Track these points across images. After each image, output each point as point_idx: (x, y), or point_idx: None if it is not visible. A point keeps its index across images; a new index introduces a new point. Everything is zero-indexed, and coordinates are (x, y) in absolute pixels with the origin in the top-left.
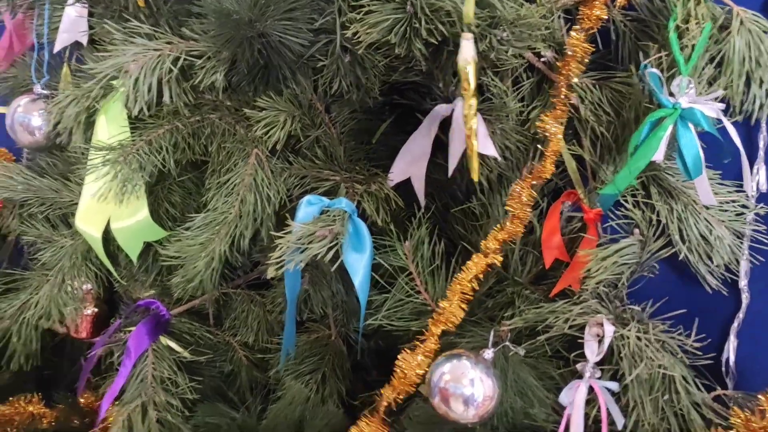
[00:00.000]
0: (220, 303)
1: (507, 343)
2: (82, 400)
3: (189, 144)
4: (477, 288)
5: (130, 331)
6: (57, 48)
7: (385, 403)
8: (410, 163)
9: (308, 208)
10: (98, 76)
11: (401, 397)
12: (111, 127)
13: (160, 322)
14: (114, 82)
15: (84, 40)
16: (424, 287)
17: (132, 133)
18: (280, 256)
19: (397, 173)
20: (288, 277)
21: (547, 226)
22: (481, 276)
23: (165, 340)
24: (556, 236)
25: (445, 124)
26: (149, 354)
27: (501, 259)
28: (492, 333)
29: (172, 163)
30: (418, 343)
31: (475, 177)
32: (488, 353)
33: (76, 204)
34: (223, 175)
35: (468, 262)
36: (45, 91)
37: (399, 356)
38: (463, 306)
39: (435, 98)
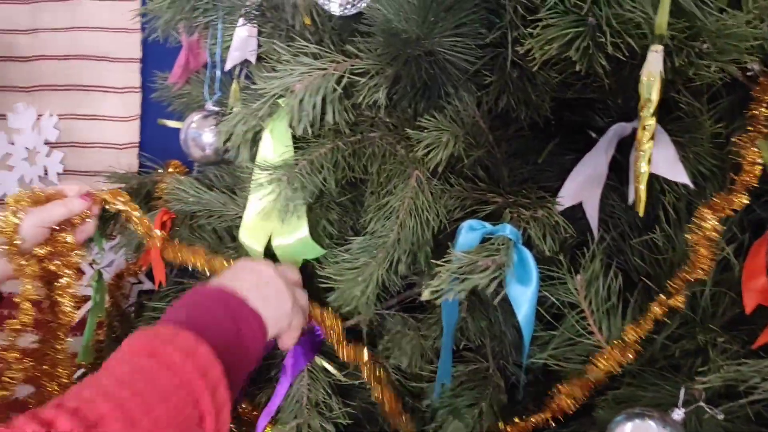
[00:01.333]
0: (374, 324)
1: (701, 403)
2: (239, 409)
3: (349, 164)
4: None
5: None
6: (228, 66)
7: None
8: (583, 187)
9: (470, 234)
10: (266, 95)
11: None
12: (276, 145)
13: (315, 341)
14: (280, 101)
15: (253, 58)
16: (598, 327)
17: (295, 152)
18: (438, 285)
19: (568, 197)
20: (445, 306)
21: (748, 266)
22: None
23: (320, 361)
24: (760, 278)
25: (623, 144)
26: (305, 375)
27: (683, 300)
28: (683, 390)
29: (333, 182)
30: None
31: (640, 211)
32: (678, 414)
33: (241, 217)
34: (382, 197)
35: (651, 304)
36: (216, 108)
37: (554, 387)
38: (638, 349)
39: (611, 116)
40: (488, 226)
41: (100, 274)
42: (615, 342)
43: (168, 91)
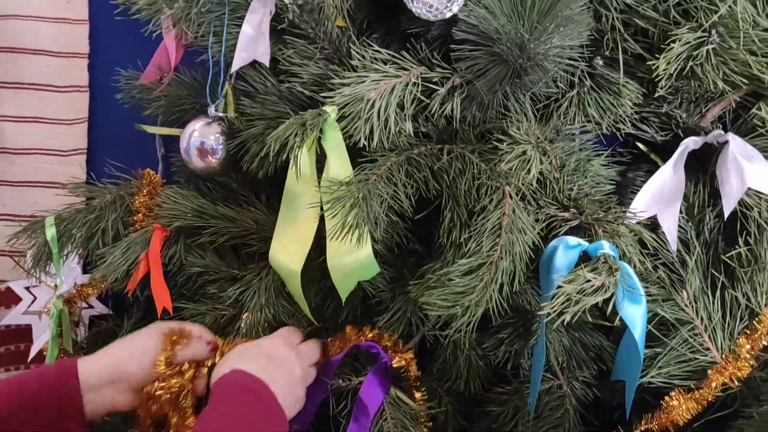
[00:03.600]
0: (426, 345)
1: None
2: None
3: (425, 178)
4: None
5: (350, 378)
6: (235, 67)
7: (641, 428)
8: (658, 203)
9: (568, 252)
10: (336, 103)
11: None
12: (333, 158)
13: (388, 371)
14: (327, 108)
15: (266, 60)
16: (713, 342)
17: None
18: (555, 307)
19: (642, 210)
20: (542, 329)
21: None
22: None
23: (396, 392)
24: None
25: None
26: (385, 407)
27: None
28: None
29: (405, 199)
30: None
31: None
32: None
33: (252, 234)
34: (474, 215)
35: (759, 318)
36: (220, 114)
37: (670, 394)
38: (752, 362)
39: (666, 129)
40: (584, 242)
41: (61, 302)
42: (728, 356)
43: (135, 92)
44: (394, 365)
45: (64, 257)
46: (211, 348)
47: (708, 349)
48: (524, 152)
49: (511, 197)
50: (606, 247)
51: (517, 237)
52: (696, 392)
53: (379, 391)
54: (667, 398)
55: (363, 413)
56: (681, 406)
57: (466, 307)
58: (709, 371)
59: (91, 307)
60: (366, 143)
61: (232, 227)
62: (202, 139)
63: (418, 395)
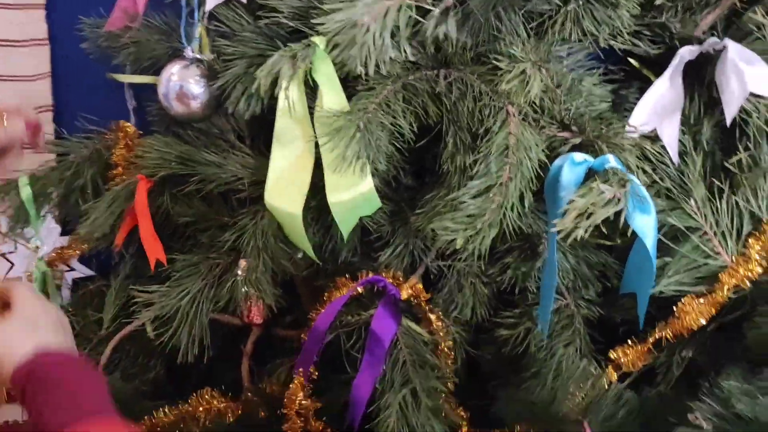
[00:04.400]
0: (430, 278)
1: None
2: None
3: (424, 104)
4: None
5: (359, 313)
6: (210, 5)
7: (655, 336)
8: (657, 115)
9: (575, 168)
10: (328, 30)
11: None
12: (327, 90)
13: (397, 302)
14: (315, 39)
15: None
16: (723, 247)
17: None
18: (567, 223)
19: (640, 124)
20: (552, 239)
21: None
22: None
23: (407, 323)
24: None
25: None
26: (398, 337)
27: None
28: None
29: (407, 126)
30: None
31: None
32: None
33: (240, 179)
34: (478, 137)
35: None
36: (198, 55)
37: (683, 300)
38: (763, 264)
39: (658, 42)
40: (590, 159)
41: (44, 264)
42: (739, 258)
43: (101, 41)
44: (403, 297)
45: (43, 218)
46: (31, 132)
47: (718, 253)
48: (524, 71)
49: (514, 116)
50: (612, 161)
51: (524, 155)
52: (709, 296)
53: (392, 323)
54: (680, 304)
55: (377, 344)
56: (694, 311)
57: (478, 229)
58: (721, 274)
59: (73, 269)
60: (362, 71)
61: (219, 173)
62: (181, 82)
63: (433, 319)
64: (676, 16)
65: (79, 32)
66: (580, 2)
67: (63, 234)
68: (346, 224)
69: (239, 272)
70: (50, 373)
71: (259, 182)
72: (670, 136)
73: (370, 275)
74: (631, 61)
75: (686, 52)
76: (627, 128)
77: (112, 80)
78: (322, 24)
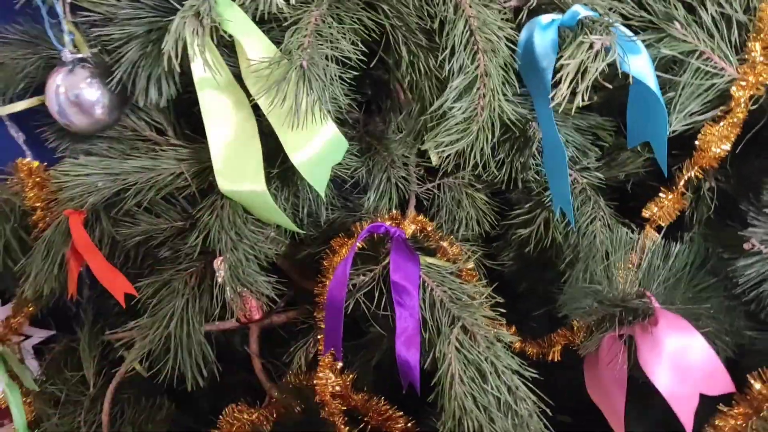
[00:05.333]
0: (423, 206)
1: None
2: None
3: (359, 19)
4: None
5: (369, 270)
6: None
7: (685, 178)
8: None
9: (545, 32)
10: None
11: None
12: (246, 40)
13: (406, 243)
14: None
15: None
16: (725, 61)
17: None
18: (565, 90)
19: None
20: (547, 129)
21: None
22: None
23: (425, 260)
24: None
25: None
26: (424, 279)
27: None
28: None
29: (352, 50)
30: (721, 114)
31: None
32: None
33: (177, 174)
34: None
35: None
36: (80, 54)
37: (702, 131)
38: None
39: None
40: (557, 17)
41: None
42: (744, 67)
43: None
44: (408, 234)
45: None
46: None
47: (722, 68)
48: None
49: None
50: (582, 10)
51: (490, 35)
52: (727, 117)
53: (412, 267)
54: (700, 135)
55: (405, 295)
56: (717, 138)
57: (475, 133)
58: (732, 90)
59: (28, 336)
60: (279, 4)
61: (154, 177)
62: (72, 91)
63: (446, 246)
64: None
65: None
66: None
67: (4, 304)
68: (319, 181)
69: (219, 273)
70: None
71: (203, 170)
72: None
73: (365, 225)
74: None
75: None
76: None
77: None
78: None
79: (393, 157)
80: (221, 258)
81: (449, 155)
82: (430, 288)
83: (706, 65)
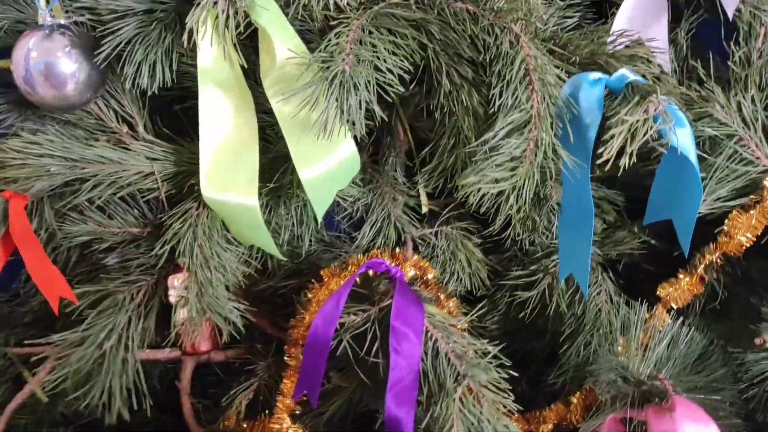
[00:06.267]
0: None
1: None
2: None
3: (405, 36)
4: None
5: (362, 310)
6: None
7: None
8: (640, 22)
9: (592, 89)
10: None
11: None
12: (276, 34)
13: (408, 286)
14: None
15: None
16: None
17: None
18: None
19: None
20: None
21: None
22: None
23: (429, 308)
24: None
25: None
26: (429, 328)
27: None
28: None
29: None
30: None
31: None
32: None
33: (146, 174)
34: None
35: None
36: (60, 20)
37: (730, 215)
38: None
39: None
40: (605, 76)
41: None
42: None
43: None
44: (408, 276)
45: None
46: None
47: (758, 157)
48: None
49: (523, 35)
50: (630, 74)
51: (545, 78)
52: (757, 207)
53: (416, 312)
54: (728, 220)
55: (405, 342)
56: (744, 226)
57: (524, 174)
58: (765, 180)
59: None
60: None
61: (119, 171)
62: (46, 58)
63: (449, 303)
64: None
65: None
66: None
67: None
68: (321, 203)
69: (173, 292)
70: None
71: (178, 174)
72: (660, 42)
73: (362, 260)
74: None
75: None
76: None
77: None
78: None
79: (395, 194)
80: (182, 274)
81: (484, 196)
82: (434, 339)
83: (743, 151)
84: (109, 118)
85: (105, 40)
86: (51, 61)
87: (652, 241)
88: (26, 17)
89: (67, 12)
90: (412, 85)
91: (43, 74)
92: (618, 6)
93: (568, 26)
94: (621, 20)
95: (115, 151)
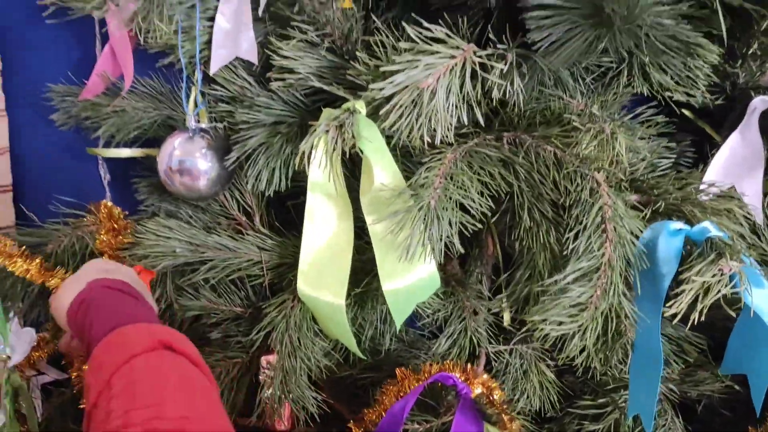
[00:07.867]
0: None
1: None
2: None
3: (492, 174)
4: None
5: (426, 420)
6: (214, 68)
7: None
8: (735, 173)
9: (672, 239)
10: (377, 95)
11: None
12: (377, 162)
13: (471, 402)
14: (355, 104)
15: (254, 58)
16: None
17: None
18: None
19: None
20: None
21: None
22: None
23: (488, 428)
24: None
25: None
26: None
27: None
28: None
29: (479, 201)
30: None
31: None
32: None
33: (255, 262)
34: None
35: None
36: (203, 125)
37: None
38: None
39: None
40: (686, 226)
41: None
42: None
43: (76, 110)
44: (474, 394)
45: (10, 320)
46: None
47: None
48: (602, 131)
49: (604, 184)
50: (712, 228)
51: (620, 228)
52: None
53: (475, 430)
54: None
55: None
56: None
57: (590, 319)
58: None
59: (41, 373)
60: (426, 141)
61: (232, 258)
62: (185, 157)
63: (513, 424)
64: (743, 65)
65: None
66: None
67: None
68: (400, 313)
69: (264, 372)
70: (96, 297)
71: (281, 266)
72: (753, 195)
73: (434, 369)
74: (685, 112)
75: (760, 102)
76: (711, 188)
77: (77, 152)
78: (380, 88)
79: (476, 307)
80: (273, 357)
81: (548, 334)
82: None
83: None
84: (231, 206)
85: (235, 146)
86: (190, 160)
87: (736, 387)
88: (176, 114)
89: (211, 113)
90: (505, 202)
91: (182, 170)
92: (718, 147)
93: (664, 166)
94: (715, 169)
95: (232, 239)
